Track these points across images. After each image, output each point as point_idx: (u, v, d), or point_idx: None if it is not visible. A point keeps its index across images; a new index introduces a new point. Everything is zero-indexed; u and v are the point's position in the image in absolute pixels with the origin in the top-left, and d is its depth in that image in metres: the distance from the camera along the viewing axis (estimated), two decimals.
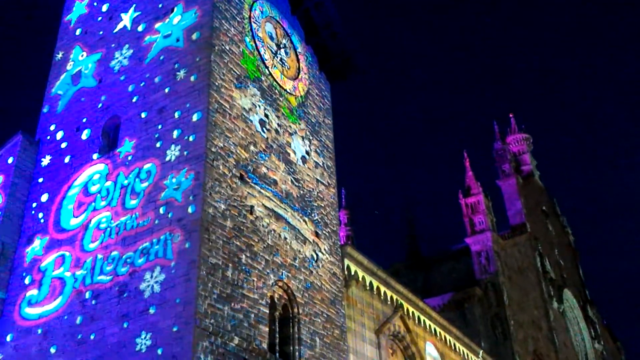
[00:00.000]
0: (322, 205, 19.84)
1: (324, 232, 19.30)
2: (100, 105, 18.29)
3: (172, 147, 15.85)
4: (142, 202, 15.49)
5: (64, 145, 18.31)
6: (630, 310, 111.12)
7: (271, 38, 20.56)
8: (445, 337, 25.81)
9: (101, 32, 19.93)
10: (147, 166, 16.02)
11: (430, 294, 35.20)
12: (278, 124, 18.93)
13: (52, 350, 14.72)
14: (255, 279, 15.39)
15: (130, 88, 17.86)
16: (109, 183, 16.47)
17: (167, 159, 15.76)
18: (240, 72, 17.99)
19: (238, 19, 18.92)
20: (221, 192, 15.37)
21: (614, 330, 56.21)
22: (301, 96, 20.96)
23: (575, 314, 48.99)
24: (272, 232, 16.75)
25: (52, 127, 18.97)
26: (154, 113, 16.84)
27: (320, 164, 20.72)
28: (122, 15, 19.67)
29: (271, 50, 20.21)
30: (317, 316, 17.46)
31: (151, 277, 14.16)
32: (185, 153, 15.56)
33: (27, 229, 17.24)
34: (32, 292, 15.97)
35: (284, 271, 16.67)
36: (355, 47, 23.68)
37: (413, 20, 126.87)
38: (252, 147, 17.23)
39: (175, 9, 18.47)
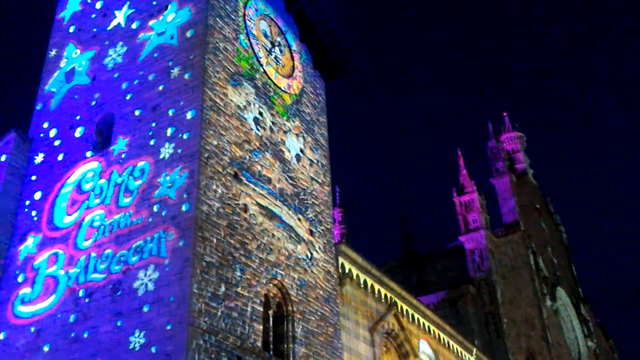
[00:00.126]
0: (317, 203, 19.84)
1: (318, 230, 19.31)
2: (93, 102, 18.23)
3: (166, 145, 15.81)
4: (136, 200, 15.45)
5: (57, 142, 18.24)
6: (623, 308, 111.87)
7: (266, 36, 20.53)
8: (439, 334, 25.88)
9: (95, 30, 19.86)
10: (141, 164, 15.98)
11: (424, 292, 35.29)
12: (272, 122, 18.91)
13: (45, 349, 14.67)
14: (249, 277, 15.38)
15: (124, 86, 17.80)
16: (102, 181, 16.42)
17: (161, 156, 15.72)
18: (235, 70, 17.96)
19: (232, 16, 18.88)
20: (215, 190, 15.35)
21: (607, 328, 56.52)
22: (296, 94, 20.94)
23: (569, 311, 49.18)
24: (266, 230, 16.74)
25: (46, 125, 18.90)
26: (147, 111, 16.79)
27: (315, 161, 20.71)
28: (116, 12, 19.60)
29: (266, 48, 20.18)
30: (311, 314, 17.46)
31: (145, 275, 14.13)
32: (179, 151, 15.53)
33: (20, 227, 17.18)
34: (25, 290, 15.92)
35: (278, 269, 16.66)
36: (351, 44, 23.70)
37: (409, 21, 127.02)
38: (246, 145, 17.20)
39: (170, 7, 18.42)
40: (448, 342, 26.62)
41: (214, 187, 15.35)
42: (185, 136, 15.67)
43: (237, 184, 16.23)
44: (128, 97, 17.47)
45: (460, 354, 27.56)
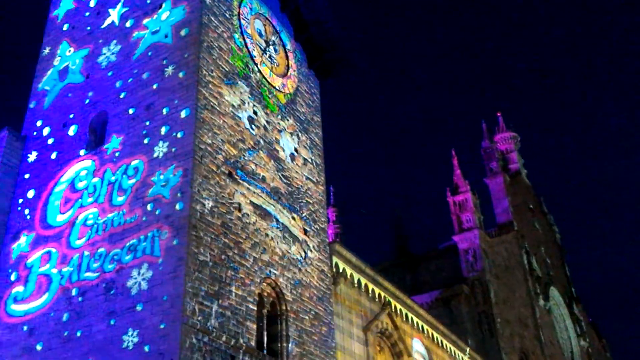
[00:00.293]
0: (311, 202, 19.84)
1: (312, 229, 19.31)
2: (87, 101, 18.18)
3: (160, 143, 15.78)
4: (130, 198, 15.41)
5: (50, 141, 18.18)
6: (616, 307, 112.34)
7: (260, 35, 20.52)
8: (432, 334, 25.93)
9: (89, 28, 19.81)
10: (134, 163, 15.94)
11: (418, 292, 35.35)
12: (267, 121, 18.90)
13: (38, 348, 14.62)
14: (243, 276, 15.37)
15: (117, 84, 17.75)
16: (96, 179, 16.38)
17: (155, 155, 15.69)
18: (229, 69, 17.94)
19: (227, 15, 18.86)
20: (209, 189, 15.33)
21: (599, 327, 56.73)
22: (290, 93, 20.94)
23: (562, 311, 49.36)
24: (260, 229, 16.73)
25: (39, 123, 18.83)
26: (141, 109, 16.75)
27: (309, 161, 20.72)
28: (110, 10, 19.55)
29: (260, 47, 20.17)
30: (305, 313, 17.47)
31: (138, 274, 14.10)
32: (173, 150, 15.50)
33: (13, 225, 17.12)
34: (18, 288, 15.86)
35: (272, 268, 16.66)
36: (346, 43, 23.69)
37: (407, 20, 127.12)
38: (240, 144, 17.19)
39: (164, 5, 18.38)
40: (442, 342, 26.67)
41: (208, 186, 15.33)
42: (179, 135, 15.64)
43: (231, 182, 16.22)
44: (122, 96, 17.43)
45: (453, 354, 27.62)
